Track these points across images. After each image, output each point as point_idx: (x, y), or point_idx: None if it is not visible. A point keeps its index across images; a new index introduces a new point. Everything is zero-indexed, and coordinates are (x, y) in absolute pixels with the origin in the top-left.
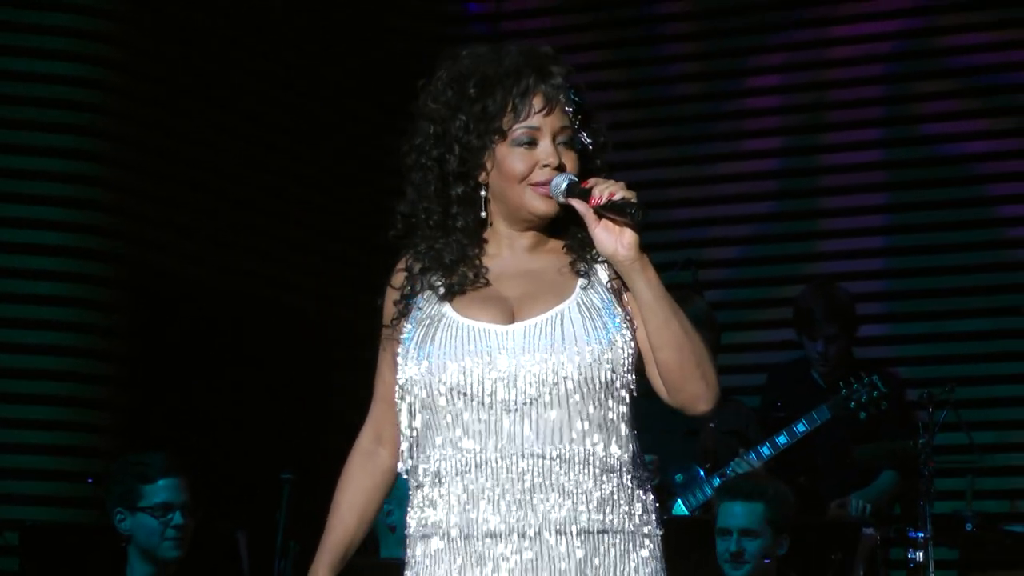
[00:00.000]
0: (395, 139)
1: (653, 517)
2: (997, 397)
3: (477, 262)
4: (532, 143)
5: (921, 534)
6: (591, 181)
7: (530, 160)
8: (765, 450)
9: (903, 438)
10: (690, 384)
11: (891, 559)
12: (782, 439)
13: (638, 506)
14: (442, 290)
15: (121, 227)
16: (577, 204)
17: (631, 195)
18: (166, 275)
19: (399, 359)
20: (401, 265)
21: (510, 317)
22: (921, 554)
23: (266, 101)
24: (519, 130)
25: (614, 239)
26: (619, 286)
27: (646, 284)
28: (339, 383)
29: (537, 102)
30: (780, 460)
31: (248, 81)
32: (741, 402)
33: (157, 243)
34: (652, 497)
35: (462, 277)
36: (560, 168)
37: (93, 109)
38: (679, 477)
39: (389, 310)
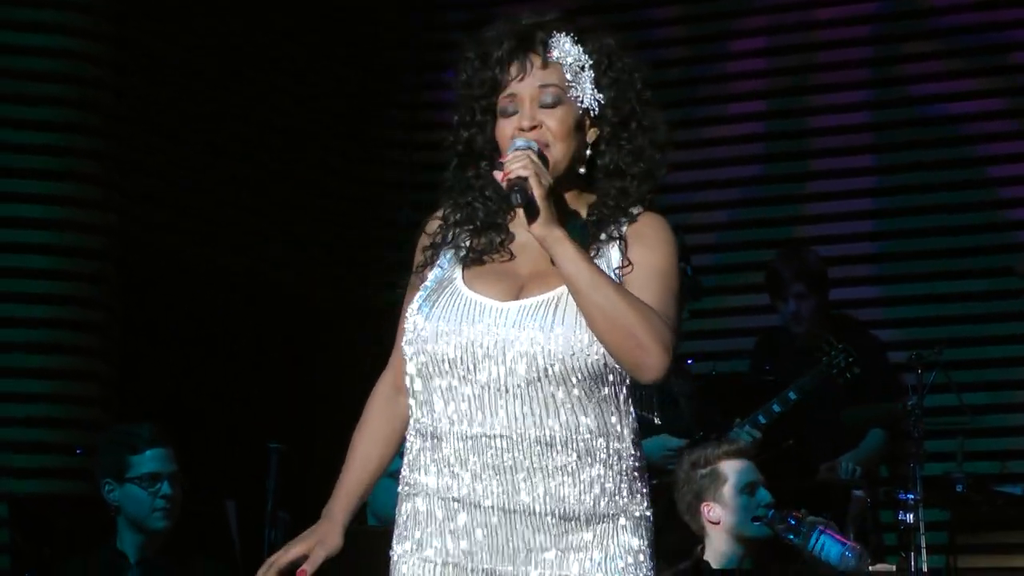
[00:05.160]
0: (381, 113)
1: (640, 501)
2: (988, 358)
3: (506, 232)
4: (516, 111)
5: (912, 496)
6: (509, 156)
7: (512, 127)
8: (761, 418)
9: (889, 400)
10: (624, 355)
11: (881, 521)
12: (776, 407)
13: (625, 490)
14: (463, 252)
15: (108, 201)
16: (497, 176)
17: (528, 173)
18: (153, 248)
19: (407, 315)
20: (439, 212)
21: (515, 295)
22: (912, 516)
23: (254, 79)
24: (502, 101)
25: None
26: (631, 272)
27: (562, 259)
28: (322, 354)
29: (513, 69)
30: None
31: (237, 60)
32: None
33: (144, 217)
34: (643, 483)
35: (488, 242)
36: (536, 128)
37: (82, 83)
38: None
39: (418, 256)
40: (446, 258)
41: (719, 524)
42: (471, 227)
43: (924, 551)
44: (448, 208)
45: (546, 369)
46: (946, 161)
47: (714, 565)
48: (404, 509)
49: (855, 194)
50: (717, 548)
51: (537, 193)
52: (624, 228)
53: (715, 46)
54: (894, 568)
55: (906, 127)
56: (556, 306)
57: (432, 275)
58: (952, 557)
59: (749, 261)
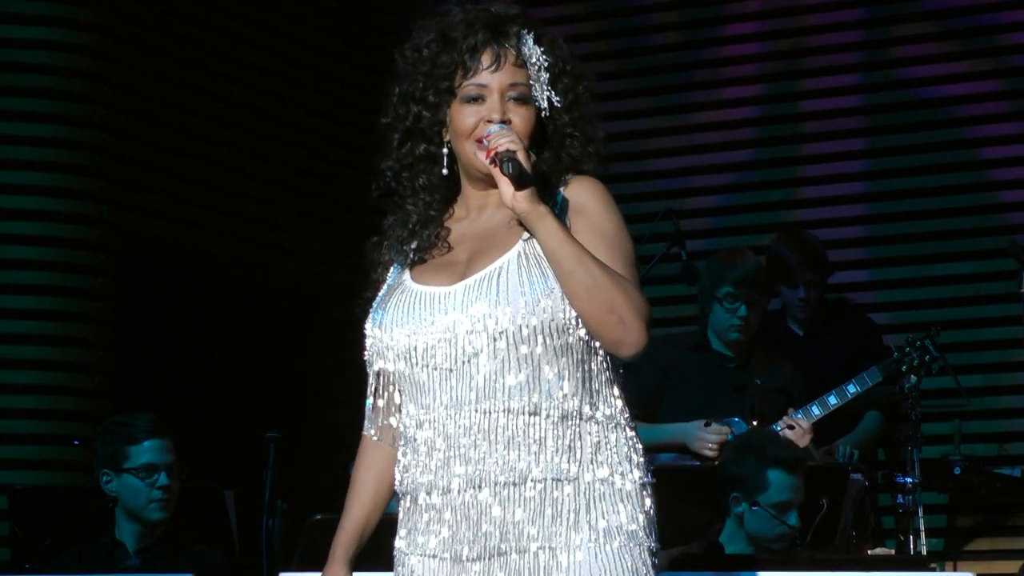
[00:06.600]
0: (377, 98)
1: (625, 465)
2: (983, 340)
3: (440, 225)
4: (480, 99)
5: (909, 479)
6: (494, 133)
7: (477, 116)
8: (815, 409)
9: (885, 383)
10: (606, 331)
11: (879, 504)
12: (832, 399)
13: (603, 455)
14: (407, 258)
15: (105, 191)
16: (480, 155)
17: (517, 147)
18: (150, 238)
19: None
20: (384, 228)
21: (460, 278)
22: (910, 499)
23: (248, 69)
24: (467, 87)
25: (508, 191)
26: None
27: (545, 235)
28: (320, 344)
29: (486, 58)
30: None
31: (230, 48)
32: (787, 360)
33: (140, 206)
34: (627, 447)
35: (425, 240)
36: (505, 123)
37: (77, 74)
38: None
39: (372, 278)
40: (394, 270)
41: (740, 517)
42: (407, 230)
43: (923, 534)
44: (388, 222)
45: (497, 340)
46: (937, 143)
47: (727, 550)
48: (401, 506)
49: (847, 178)
50: (732, 538)
51: (526, 166)
52: (558, 193)
53: (707, 31)
54: (893, 551)
55: (898, 110)
56: (498, 277)
57: (384, 288)
58: (951, 539)
59: (743, 246)
